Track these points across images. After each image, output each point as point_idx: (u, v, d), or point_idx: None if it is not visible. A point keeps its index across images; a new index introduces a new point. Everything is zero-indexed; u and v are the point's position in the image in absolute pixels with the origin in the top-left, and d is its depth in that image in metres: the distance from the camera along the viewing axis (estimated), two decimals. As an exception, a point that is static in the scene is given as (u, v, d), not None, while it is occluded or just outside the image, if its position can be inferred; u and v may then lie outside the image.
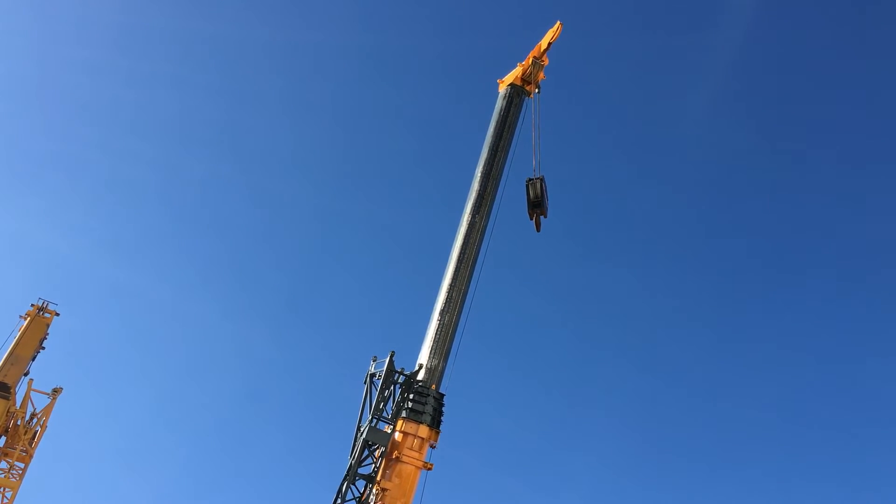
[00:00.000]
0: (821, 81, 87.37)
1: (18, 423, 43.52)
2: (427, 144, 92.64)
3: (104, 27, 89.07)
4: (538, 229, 32.24)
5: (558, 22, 31.80)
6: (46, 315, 46.64)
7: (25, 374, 44.75)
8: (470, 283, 28.09)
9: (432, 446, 25.65)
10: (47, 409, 44.57)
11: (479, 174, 30.09)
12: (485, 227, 29.12)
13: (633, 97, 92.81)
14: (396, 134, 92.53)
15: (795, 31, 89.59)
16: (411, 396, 25.81)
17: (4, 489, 42.94)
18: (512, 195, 30.99)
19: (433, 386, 26.13)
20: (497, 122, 31.36)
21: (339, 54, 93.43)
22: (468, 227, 28.90)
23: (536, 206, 31.59)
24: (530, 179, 31.59)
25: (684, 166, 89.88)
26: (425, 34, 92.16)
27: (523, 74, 31.97)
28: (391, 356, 26.19)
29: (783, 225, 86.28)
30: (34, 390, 44.42)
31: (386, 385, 25.93)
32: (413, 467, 24.96)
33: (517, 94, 31.89)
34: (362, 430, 25.43)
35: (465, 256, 28.32)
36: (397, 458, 25.01)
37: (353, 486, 24.87)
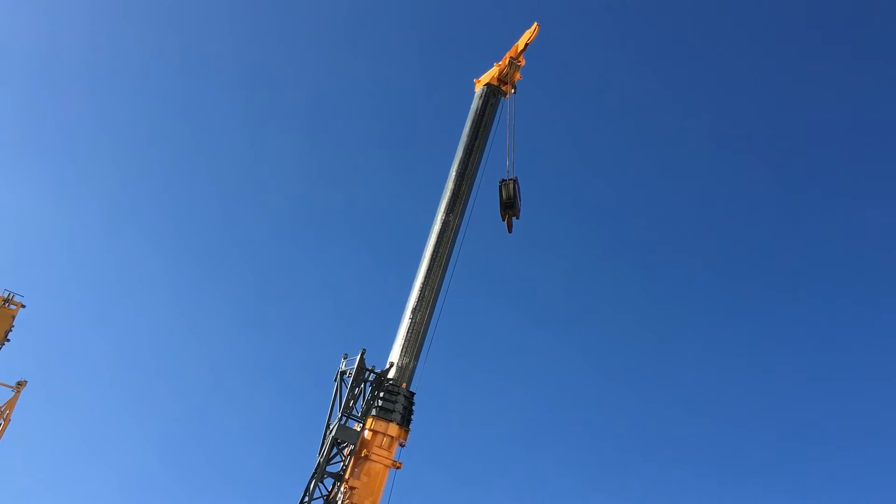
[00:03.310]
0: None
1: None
2: (401, 142, 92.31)
3: None
4: (510, 230, 32.25)
5: (535, 23, 31.91)
6: (12, 307, 45.93)
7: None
8: (443, 282, 28.07)
9: (402, 445, 25.59)
10: (11, 403, 43.93)
11: (454, 173, 30.07)
12: (458, 226, 29.11)
13: (609, 99, 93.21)
14: (370, 129, 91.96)
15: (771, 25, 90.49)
16: (381, 395, 25.72)
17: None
18: (486, 195, 31.03)
19: (404, 384, 26.06)
20: (472, 121, 31.35)
21: (312, 47, 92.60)
22: (442, 226, 28.86)
23: (509, 207, 31.58)
24: (503, 180, 31.59)
25: (660, 166, 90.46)
26: (402, 31, 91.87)
27: (500, 75, 31.99)
28: (362, 354, 26.09)
29: (776, 224, 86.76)
30: (-2, 383, 43.81)
31: (356, 383, 25.83)
32: (382, 466, 24.86)
33: (493, 94, 31.90)
34: (332, 427, 25.29)
35: (439, 255, 28.29)
36: (366, 456, 24.89)
37: (321, 484, 24.73)
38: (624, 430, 77.96)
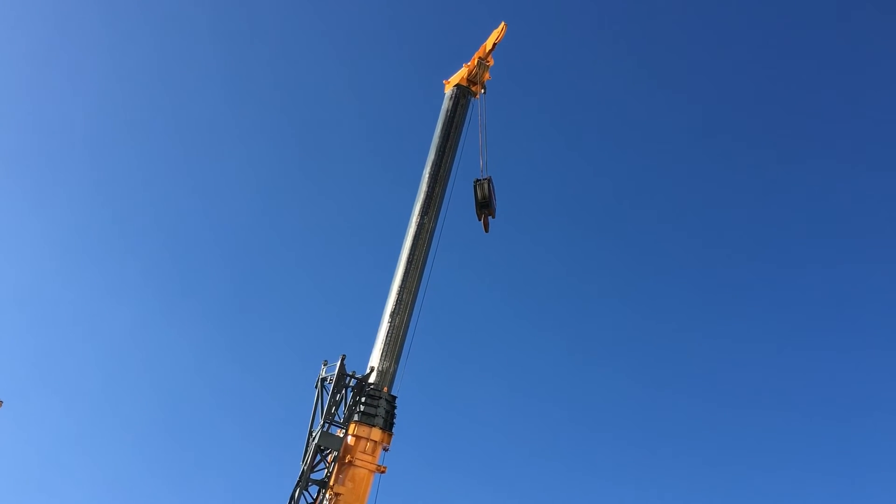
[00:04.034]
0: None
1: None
2: (374, 142, 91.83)
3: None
4: (486, 230, 32.44)
5: (503, 23, 32.06)
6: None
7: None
8: (420, 284, 28.15)
9: (385, 449, 25.61)
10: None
11: (427, 175, 30.15)
12: (433, 228, 29.21)
13: (582, 96, 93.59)
14: (342, 129, 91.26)
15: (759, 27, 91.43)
16: (363, 400, 25.73)
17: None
18: (460, 196, 31.15)
19: (385, 388, 26.08)
20: (443, 123, 31.48)
21: (283, 41, 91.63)
22: (417, 229, 28.94)
23: (484, 206, 31.79)
24: (478, 180, 31.77)
25: (636, 163, 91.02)
26: (371, 32, 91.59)
27: (469, 75, 32.16)
28: (342, 360, 26.10)
29: (769, 221, 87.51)
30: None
31: (337, 389, 25.83)
32: (366, 470, 24.89)
33: (463, 94, 32.03)
34: (314, 435, 25.28)
35: (415, 258, 28.36)
36: (350, 461, 24.90)
37: (305, 492, 24.69)
38: (623, 427, 78.10)
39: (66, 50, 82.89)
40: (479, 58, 32.11)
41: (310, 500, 24.70)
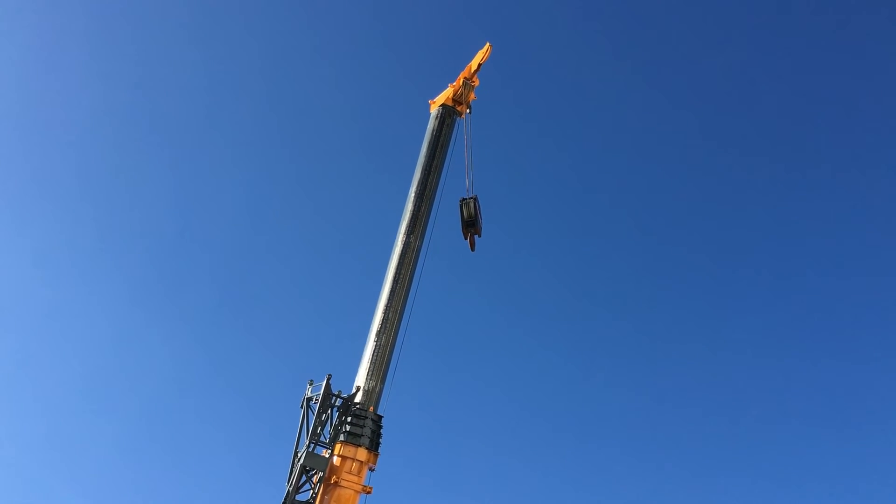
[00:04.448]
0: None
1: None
2: (362, 160, 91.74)
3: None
4: (473, 249, 32.55)
5: (487, 43, 32.32)
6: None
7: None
8: (406, 303, 28.10)
9: (371, 469, 25.42)
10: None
11: (413, 194, 30.19)
12: (419, 246, 29.20)
13: (567, 114, 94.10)
14: (329, 146, 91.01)
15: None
16: (349, 419, 25.57)
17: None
18: (446, 214, 31.22)
19: (371, 408, 25.94)
20: (429, 142, 31.57)
21: (272, 52, 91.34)
22: (403, 248, 28.92)
23: (470, 225, 31.93)
24: (464, 199, 31.89)
25: (623, 180, 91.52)
26: (356, 52, 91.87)
27: (454, 95, 32.33)
28: (328, 379, 25.93)
29: (766, 227, 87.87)
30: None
31: (323, 409, 25.65)
32: (352, 491, 24.64)
33: (449, 114, 32.18)
34: (300, 455, 25.05)
35: (401, 276, 28.32)
36: (336, 482, 24.66)
37: (291, 514, 24.44)
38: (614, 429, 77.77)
39: (51, 50, 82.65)
40: (465, 78, 32.32)
41: (295, 522, 24.46)
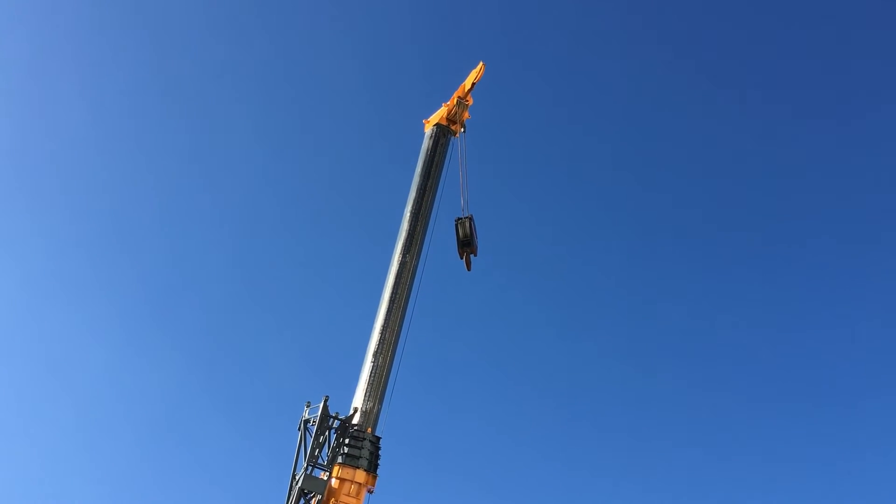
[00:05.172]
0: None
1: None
2: (353, 183, 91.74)
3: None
4: (469, 268, 32.49)
5: (481, 62, 32.42)
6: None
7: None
8: (402, 323, 27.97)
9: (370, 491, 25.20)
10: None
11: (408, 214, 30.15)
12: (415, 266, 29.11)
13: (564, 133, 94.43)
14: (322, 164, 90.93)
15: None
16: (347, 441, 25.38)
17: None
18: (442, 234, 31.19)
19: (369, 429, 25.76)
20: (424, 161, 31.57)
21: (263, 80, 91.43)
22: (399, 267, 28.84)
23: (466, 244, 31.88)
24: (459, 219, 31.86)
25: (617, 197, 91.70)
26: (348, 70, 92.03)
27: (449, 114, 32.38)
28: (325, 401, 25.75)
29: (758, 224, 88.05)
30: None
31: (321, 431, 25.46)
32: (351, 514, 24.49)
33: (443, 133, 32.21)
34: (298, 478, 24.83)
35: (397, 297, 28.21)
36: (334, 505, 24.49)
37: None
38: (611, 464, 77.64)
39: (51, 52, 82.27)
40: (459, 97, 32.39)
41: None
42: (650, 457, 75.97)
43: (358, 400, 26.34)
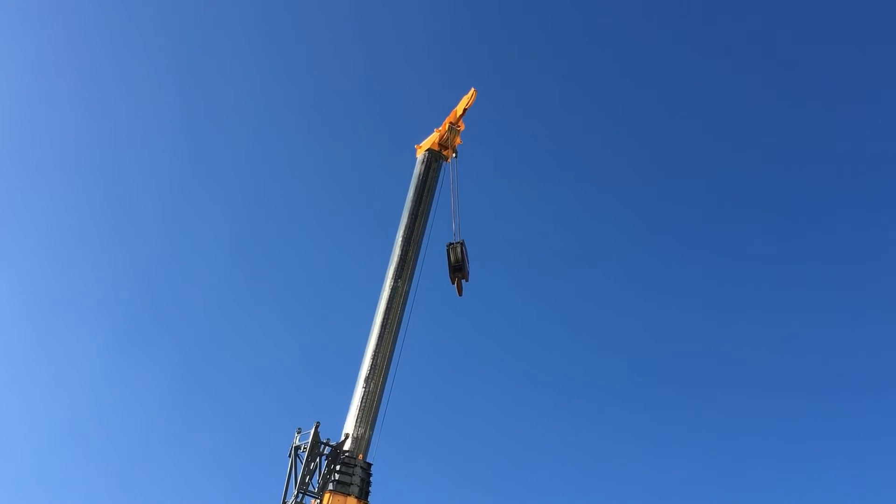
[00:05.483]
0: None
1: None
2: (344, 206, 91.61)
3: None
4: (460, 293, 32.41)
5: (472, 89, 32.60)
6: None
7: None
8: (394, 348, 27.83)
9: (361, 518, 24.95)
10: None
11: (400, 239, 30.12)
12: (407, 291, 29.03)
13: (550, 159, 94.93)
14: (312, 192, 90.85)
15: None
16: (338, 468, 25.11)
17: None
18: (434, 259, 31.15)
19: (360, 455, 25.51)
20: (416, 187, 31.60)
21: (254, 108, 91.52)
22: (391, 292, 28.75)
23: (458, 270, 31.83)
24: (451, 244, 31.84)
25: (610, 217, 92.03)
26: (341, 94, 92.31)
27: (440, 140, 32.48)
28: (316, 427, 25.52)
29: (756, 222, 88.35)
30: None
31: (311, 457, 25.20)
32: (342, 542, 24.19)
33: (435, 159, 32.28)
34: (288, 505, 24.58)
35: (389, 321, 28.10)
36: (325, 533, 24.20)
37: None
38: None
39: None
40: (450, 122, 32.52)
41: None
42: (653, 457, 75.70)
43: (349, 426, 26.11)
